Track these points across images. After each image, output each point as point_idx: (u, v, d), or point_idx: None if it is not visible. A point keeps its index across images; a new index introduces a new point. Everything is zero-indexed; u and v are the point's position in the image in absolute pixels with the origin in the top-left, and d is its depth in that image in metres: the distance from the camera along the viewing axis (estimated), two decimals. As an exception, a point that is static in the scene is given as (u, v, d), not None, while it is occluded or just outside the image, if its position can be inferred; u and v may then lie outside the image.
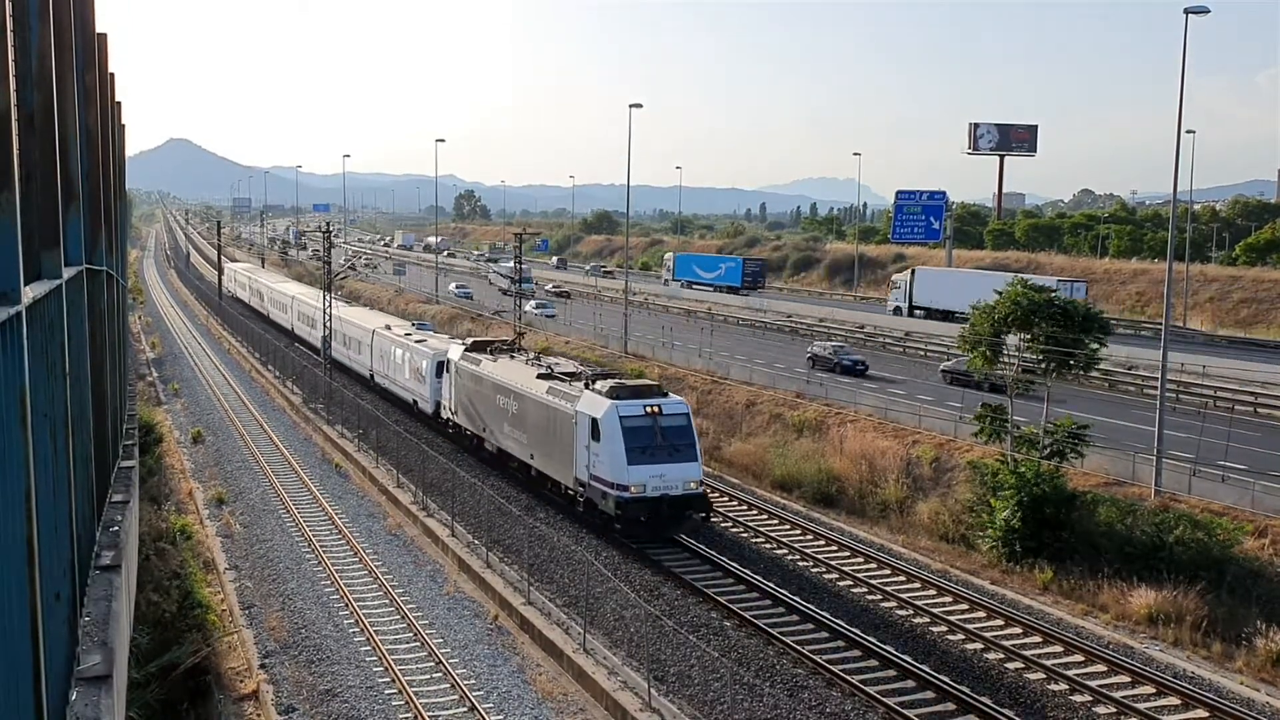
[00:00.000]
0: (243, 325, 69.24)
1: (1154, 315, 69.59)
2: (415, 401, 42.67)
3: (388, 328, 48.43)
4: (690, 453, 26.44)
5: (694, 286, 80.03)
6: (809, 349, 54.11)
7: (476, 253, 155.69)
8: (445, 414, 38.36)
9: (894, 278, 78.18)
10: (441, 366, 38.81)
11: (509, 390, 31.68)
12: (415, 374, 42.11)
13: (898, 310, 73.52)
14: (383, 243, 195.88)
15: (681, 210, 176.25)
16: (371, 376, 49.39)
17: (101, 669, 7.38)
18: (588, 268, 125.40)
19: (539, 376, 30.63)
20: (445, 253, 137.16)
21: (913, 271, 75.91)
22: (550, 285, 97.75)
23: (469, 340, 39.19)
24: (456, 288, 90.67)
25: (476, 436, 35.34)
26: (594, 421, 26.29)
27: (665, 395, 28.13)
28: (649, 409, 26.35)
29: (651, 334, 61.19)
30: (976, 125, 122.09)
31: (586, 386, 28.10)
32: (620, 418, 25.86)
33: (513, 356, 34.60)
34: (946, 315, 66.41)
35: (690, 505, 26.18)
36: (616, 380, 29.09)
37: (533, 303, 72.41)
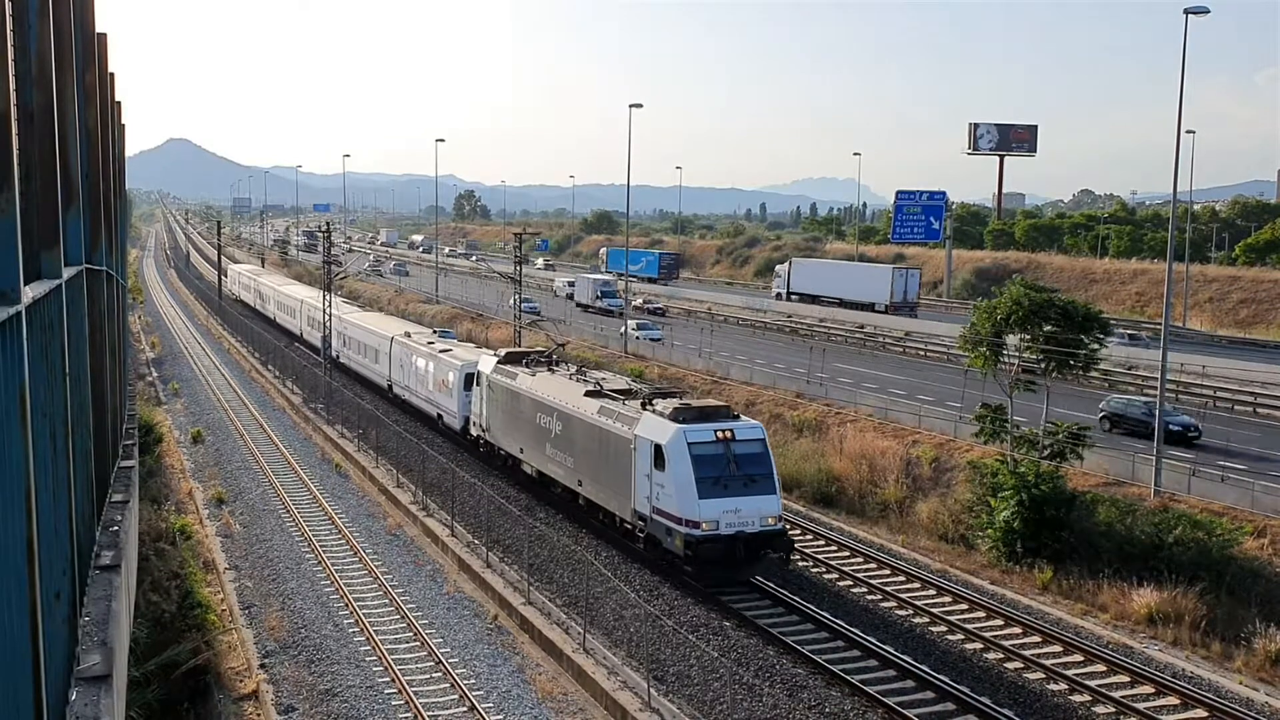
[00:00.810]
0: (242, 325, 69.23)
1: (1154, 315, 69.61)
2: (440, 416, 39.64)
3: (407, 335, 45.23)
4: (768, 484, 23.40)
5: (622, 276, 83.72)
6: (1102, 406, 38.74)
7: (462, 250, 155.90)
8: (475, 431, 35.28)
9: (777, 268, 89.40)
10: (471, 379, 35.60)
11: (551, 408, 28.55)
12: (440, 386, 39.15)
13: (779, 295, 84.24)
14: (369, 240, 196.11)
15: (681, 210, 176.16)
16: (390, 387, 46.20)
17: (101, 668, 7.39)
18: (584, 270, 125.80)
19: (588, 394, 27.46)
20: (423, 249, 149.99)
21: (790, 262, 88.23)
22: (641, 300, 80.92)
23: (501, 351, 35.57)
24: (639, 329, 60.79)
25: (512, 457, 32.26)
26: (657, 448, 23.37)
27: (736, 417, 24.85)
28: (720, 434, 23.40)
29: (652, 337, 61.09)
30: (976, 125, 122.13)
31: (645, 406, 25.15)
32: (689, 444, 22.92)
33: (553, 370, 31.44)
34: (814, 299, 79.80)
35: (769, 544, 23.11)
36: (680, 400, 25.68)
37: (633, 323, 60.70)
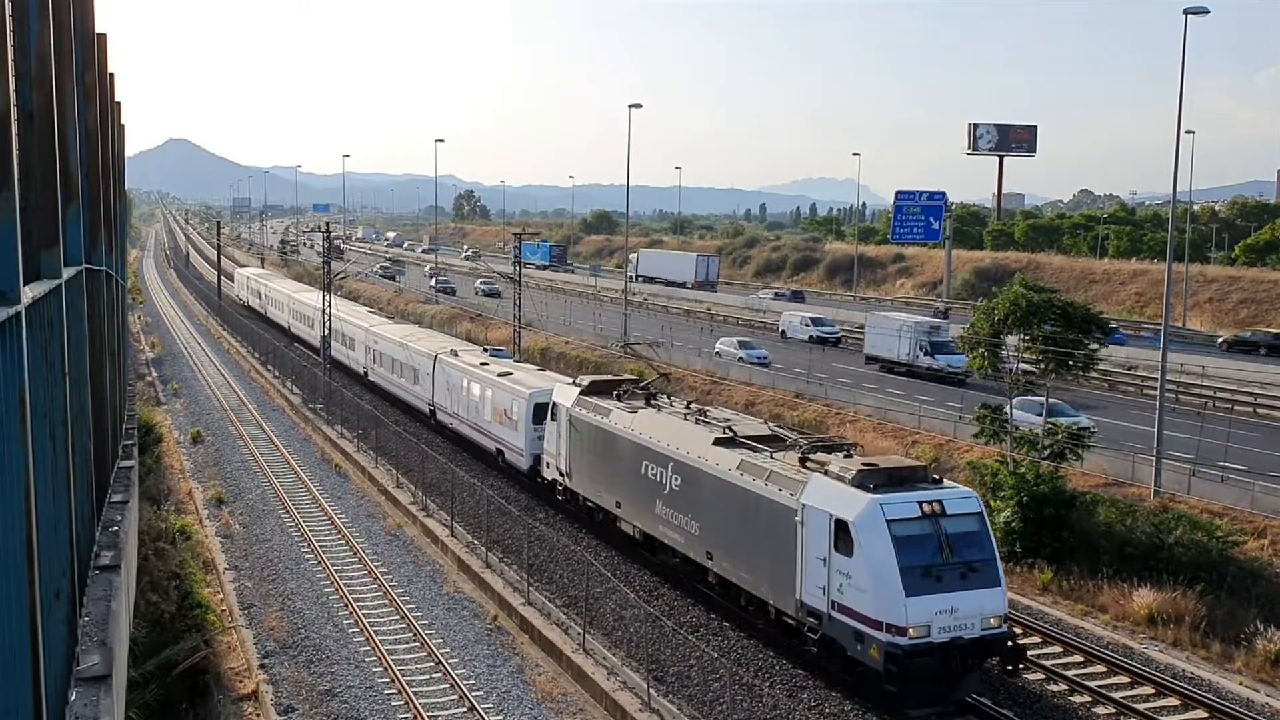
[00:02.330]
0: (242, 325, 69.20)
1: (1153, 316, 69.63)
2: (500, 452, 33.76)
3: (454, 354, 39.71)
4: (991, 572, 18.26)
5: (525, 265, 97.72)
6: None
7: (466, 252, 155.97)
8: (550, 474, 29.52)
9: (630, 256, 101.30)
10: (542, 410, 30.22)
11: (665, 457, 23.30)
12: (500, 417, 33.46)
13: (632, 279, 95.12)
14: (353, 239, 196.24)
15: (681, 210, 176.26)
16: (432, 413, 40.75)
17: (101, 669, 7.38)
18: (584, 267, 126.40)
19: (720, 443, 21.98)
20: (403, 246, 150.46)
21: (639, 253, 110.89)
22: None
23: (584, 379, 29.76)
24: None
25: (604, 511, 26.92)
26: (840, 525, 17.97)
27: (938, 480, 19.46)
28: (926, 506, 18.09)
29: (651, 334, 61.18)
30: (976, 126, 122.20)
31: (806, 463, 19.81)
32: (888, 521, 17.62)
33: (657, 405, 25.92)
34: (651, 279, 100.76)
35: (990, 651, 18.03)
36: (862, 458, 19.97)
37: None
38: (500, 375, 34.49)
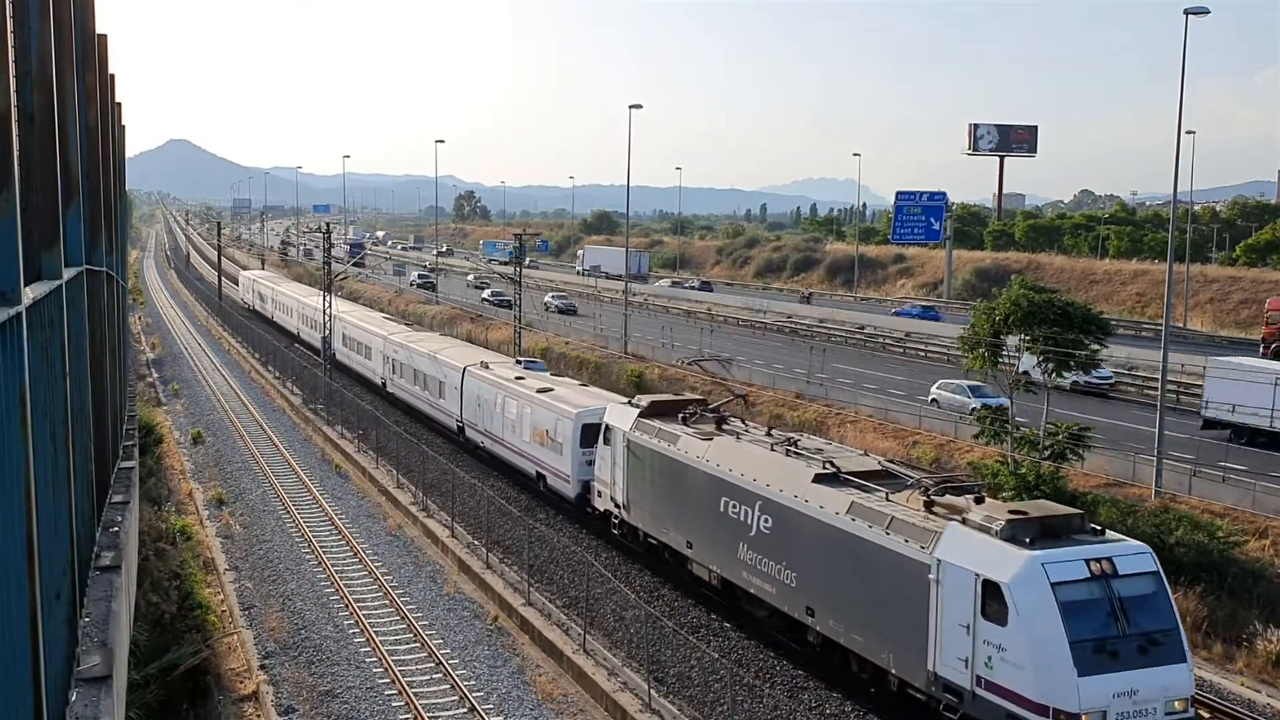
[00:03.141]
0: (243, 326, 69.20)
1: (1154, 316, 69.62)
2: (542, 476, 30.80)
3: (485, 366, 36.75)
4: (1174, 645, 15.36)
5: (491, 261, 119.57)
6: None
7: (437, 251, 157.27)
8: (603, 504, 26.69)
9: (578, 252, 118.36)
10: (591, 433, 27.41)
11: (751, 495, 20.23)
12: (542, 438, 30.42)
13: (580, 271, 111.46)
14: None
15: (681, 211, 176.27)
16: (461, 430, 37.70)
17: (101, 670, 7.38)
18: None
19: (821, 480, 19.02)
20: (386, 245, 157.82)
21: (585, 248, 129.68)
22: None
23: (642, 399, 26.69)
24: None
25: (671, 550, 23.81)
26: (989, 587, 15.08)
27: (1100, 531, 16.35)
28: (1095, 565, 15.17)
29: (651, 334, 61.22)
30: (976, 126, 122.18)
31: (933, 508, 17.03)
32: (1052, 584, 14.78)
33: (734, 432, 22.89)
34: (594, 270, 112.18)
35: None
36: (1009, 505, 17.05)
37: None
38: (540, 392, 31.42)
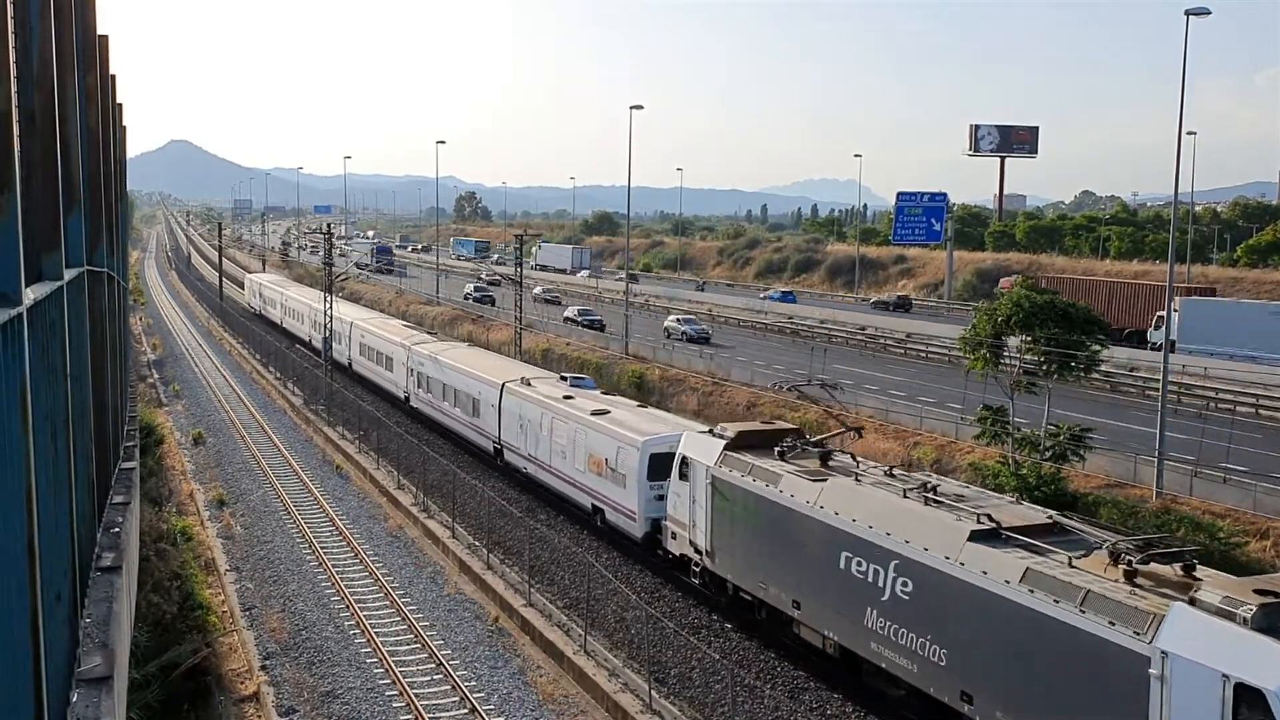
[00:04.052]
0: (244, 327, 69.20)
1: (1155, 317, 69.50)
2: (599, 511, 27.30)
3: (526, 382, 33.24)
4: None
5: (461, 258, 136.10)
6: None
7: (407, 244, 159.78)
8: (680, 548, 23.33)
9: (534, 250, 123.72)
10: (661, 464, 24.28)
11: (882, 551, 17.09)
12: (601, 468, 27.00)
13: (534, 266, 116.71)
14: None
15: (682, 211, 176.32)
16: (498, 453, 34.29)
17: (102, 670, 7.38)
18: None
19: (979, 538, 15.66)
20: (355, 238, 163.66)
21: (540, 246, 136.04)
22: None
23: (728, 428, 22.97)
24: None
25: (768, 608, 20.53)
26: (1247, 694, 12.01)
27: None
28: None
29: (652, 335, 61.19)
30: (977, 127, 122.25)
31: (1135, 579, 13.78)
32: None
33: (847, 470, 19.76)
34: (545, 268, 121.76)
35: None
36: (1247, 583, 13.44)
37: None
38: (596, 415, 28.06)
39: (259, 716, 18.82)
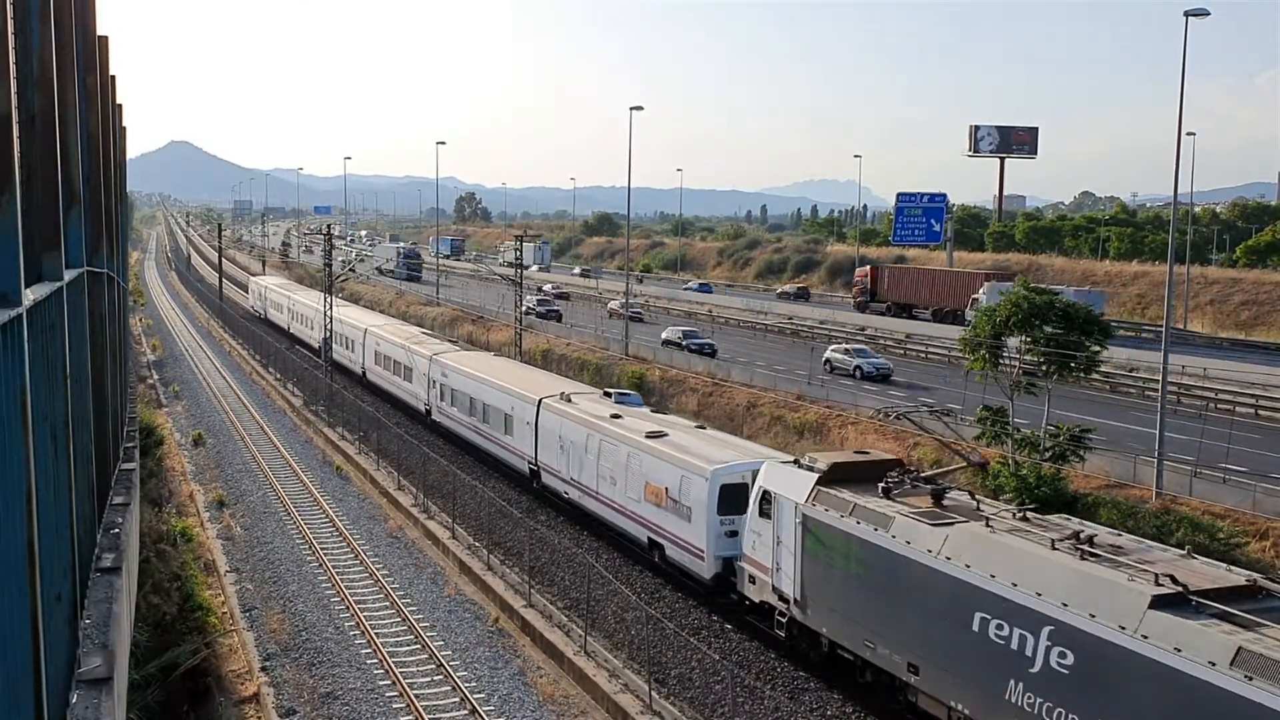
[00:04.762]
0: (244, 328, 69.21)
1: (1155, 318, 69.61)
2: (659, 545, 24.51)
3: (565, 398, 30.56)
4: None
5: (445, 257, 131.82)
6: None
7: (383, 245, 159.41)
8: (760, 594, 20.71)
9: (500, 247, 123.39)
10: (733, 496, 21.98)
11: (1031, 614, 14.55)
12: (661, 499, 24.18)
13: (502, 263, 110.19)
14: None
15: (682, 212, 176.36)
16: (534, 475, 31.55)
17: (102, 671, 7.38)
18: (577, 270, 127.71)
19: (1164, 604, 13.22)
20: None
21: (504, 244, 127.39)
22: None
23: (819, 457, 20.17)
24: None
25: (876, 668, 17.87)
26: None
27: None
28: None
29: (652, 336, 61.20)
30: (977, 128, 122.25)
31: None
32: None
33: (972, 512, 17.23)
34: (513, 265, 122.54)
35: None
36: None
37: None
38: (651, 437, 25.35)
39: (259, 717, 18.82)
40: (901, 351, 61.62)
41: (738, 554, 21.49)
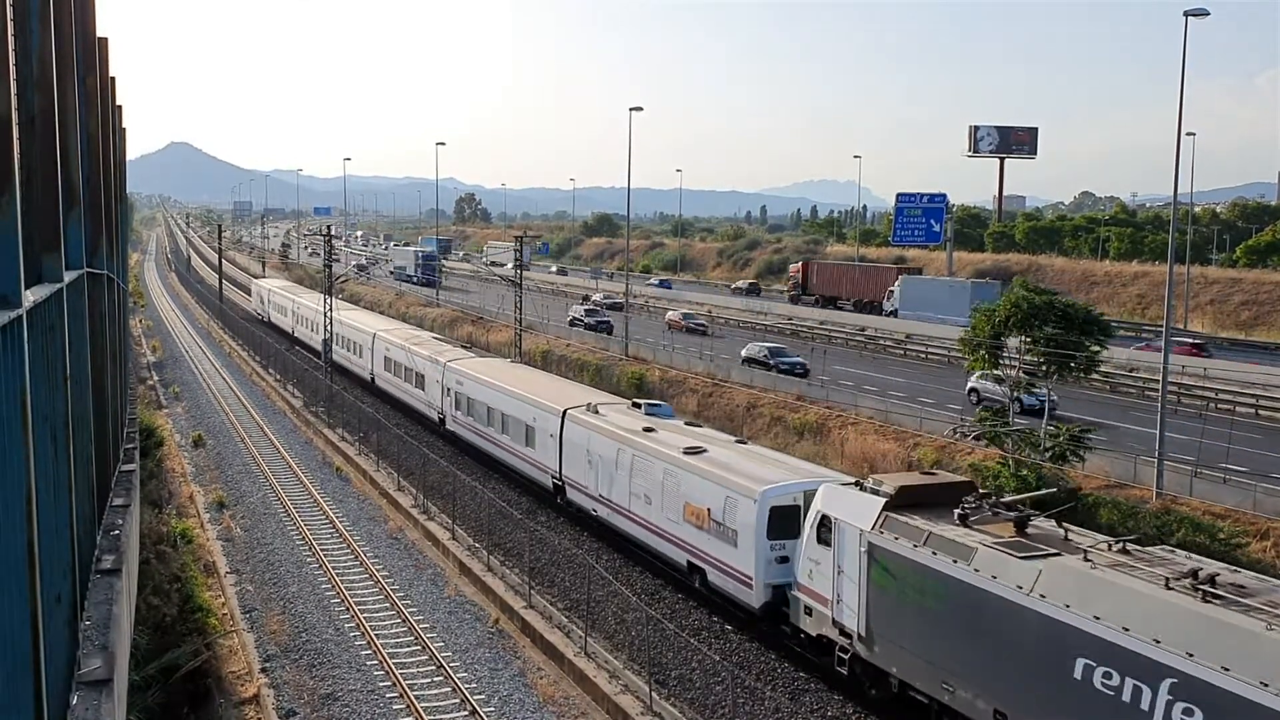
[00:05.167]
0: (244, 329, 69.21)
1: (1155, 318, 69.63)
2: (700, 570, 22.80)
3: (593, 410, 29.08)
4: None
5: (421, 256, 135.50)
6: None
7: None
8: (818, 627, 19.23)
9: (483, 247, 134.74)
10: (784, 519, 20.57)
11: (1148, 665, 13.14)
12: (704, 520, 22.48)
13: (486, 263, 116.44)
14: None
15: (682, 213, 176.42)
16: (559, 491, 30.02)
17: (102, 673, 7.38)
18: (553, 268, 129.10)
19: None
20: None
21: (488, 244, 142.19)
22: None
23: (883, 480, 18.67)
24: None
25: (953, 712, 16.37)
26: None
27: None
28: None
29: (652, 336, 61.19)
30: (977, 128, 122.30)
31: None
32: None
33: (1061, 542, 15.84)
34: (496, 264, 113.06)
35: None
36: None
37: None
38: (690, 453, 23.74)
39: (259, 718, 18.81)
40: (902, 352, 61.62)
41: (789, 582, 20.06)
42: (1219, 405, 42.21)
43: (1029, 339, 30.08)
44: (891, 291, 75.31)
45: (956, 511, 16.95)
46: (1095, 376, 37.03)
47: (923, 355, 59.69)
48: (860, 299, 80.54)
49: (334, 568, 26.33)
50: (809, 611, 19.42)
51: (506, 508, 28.83)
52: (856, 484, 19.32)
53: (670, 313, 73.66)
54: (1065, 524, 16.60)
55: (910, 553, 16.78)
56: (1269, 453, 33.78)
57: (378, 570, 26.15)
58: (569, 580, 24.41)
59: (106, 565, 10.15)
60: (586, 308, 73.17)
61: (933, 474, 20.38)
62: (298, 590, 25.00)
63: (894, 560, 17.13)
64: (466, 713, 18.59)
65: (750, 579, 20.92)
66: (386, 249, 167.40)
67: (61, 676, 6.62)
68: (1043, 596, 14.45)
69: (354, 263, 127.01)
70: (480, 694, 19.27)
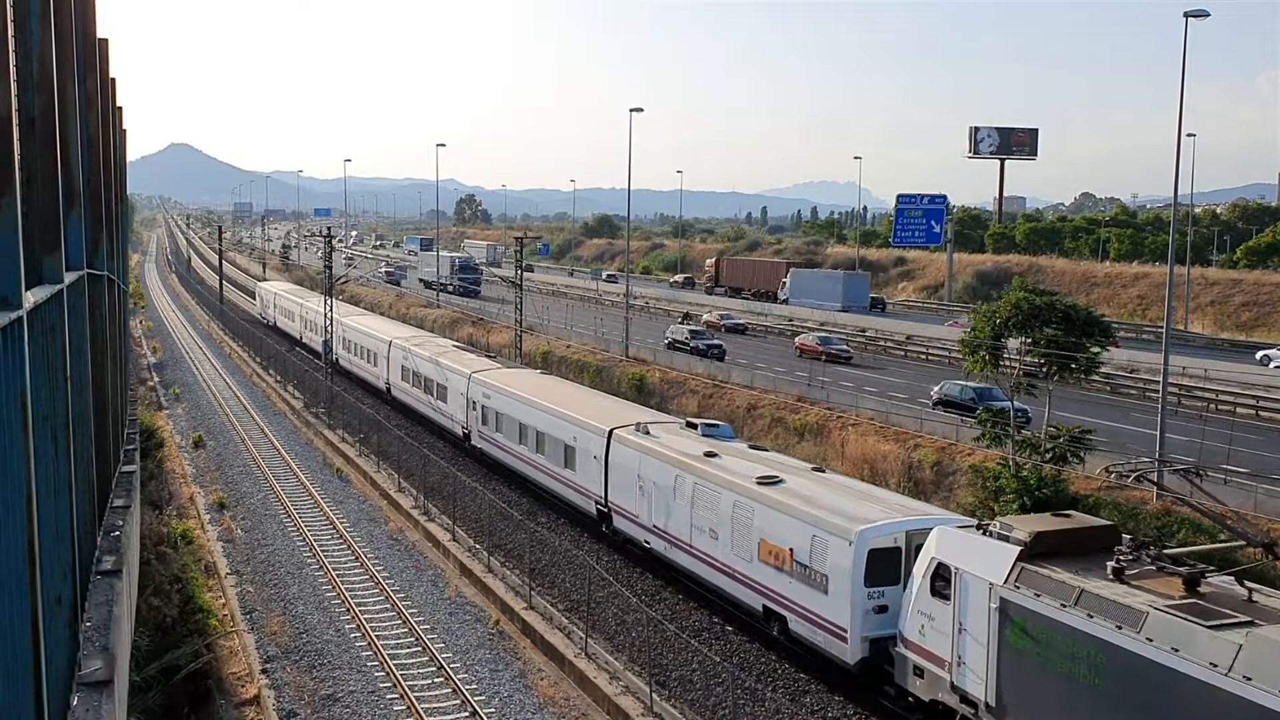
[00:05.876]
0: (244, 330, 69.22)
1: (1155, 319, 69.64)
2: (778, 618, 20.31)
3: (643, 430, 26.39)
4: None
5: (411, 253, 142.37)
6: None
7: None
8: (932, 690, 16.82)
9: (463, 245, 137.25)
10: (885, 563, 18.29)
11: None
12: (786, 563, 19.86)
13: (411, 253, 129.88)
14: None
15: (682, 214, 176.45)
16: (604, 518, 27.36)
17: (103, 674, 7.37)
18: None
19: None
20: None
21: (465, 243, 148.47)
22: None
23: (1014, 524, 16.01)
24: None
25: None
26: None
27: None
28: None
29: (652, 337, 61.18)
30: (977, 129, 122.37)
31: None
32: None
33: (1241, 604, 13.58)
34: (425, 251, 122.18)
35: None
36: None
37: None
38: (765, 484, 21.04)
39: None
40: (903, 354, 61.59)
41: (890, 635, 17.67)
42: (1219, 406, 42.21)
43: (1029, 340, 30.08)
44: (784, 282, 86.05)
45: (1109, 564, 14.40)
46: (1096, 377, 37.00)
47: (924, 355, 59.70)
48: (759, 289, 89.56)
49: (334, 569, 26.32)
50: (919, 673, 16.90)
51: (507, 509, 28.82)
52: (979, 528, 16.72)
53: (800, 336, 61.72)
54: (1247, 582, 13.99)
55: (1057, 614, 14.18)
56: (1269, 454, 33.77)
57: (378, 571, 26.14)
58: (569, 581, 24.41)
59: (107, 566, 10.15)
60: (691, 328, 60.99)
61: (1067, 515, 17.23)
62: (298, 591, 25.00)
63: (1034, 621, 14.59)
64: (467, 714, 18.59)
65: (845, 631, 18.33)
66: (356, 243, 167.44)
67: (62, 678, 6.62)
68: (1248, 679, 11.85)
69: (343, 257, 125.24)
70: (481, 695, 19.27)
